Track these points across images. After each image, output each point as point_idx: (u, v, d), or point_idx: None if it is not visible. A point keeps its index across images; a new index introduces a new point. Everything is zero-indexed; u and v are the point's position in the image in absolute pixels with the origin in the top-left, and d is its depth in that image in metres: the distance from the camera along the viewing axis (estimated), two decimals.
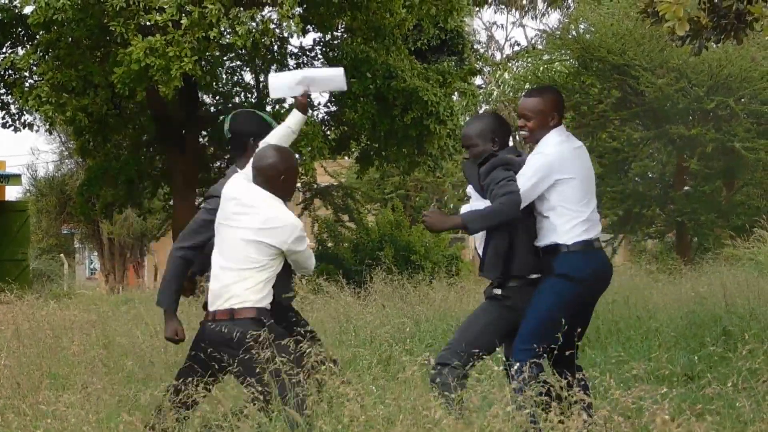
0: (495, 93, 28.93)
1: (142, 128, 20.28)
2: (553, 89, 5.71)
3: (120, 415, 4.79)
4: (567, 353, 5.13)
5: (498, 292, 5.27)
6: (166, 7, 14.74)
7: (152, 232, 33.91)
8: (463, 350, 5.14)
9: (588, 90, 23.28)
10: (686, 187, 23.63)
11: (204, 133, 20.32)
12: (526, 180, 5.17)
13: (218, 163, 21.57)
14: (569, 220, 5.22)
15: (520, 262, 5.24)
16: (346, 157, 24.97)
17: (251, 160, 5.16)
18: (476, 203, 5.37)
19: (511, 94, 27.32)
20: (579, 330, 5.14)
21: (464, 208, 5.49)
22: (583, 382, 5.09)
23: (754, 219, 20.99)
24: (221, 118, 5.47)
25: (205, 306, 5.34)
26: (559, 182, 5.22)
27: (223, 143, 20.54)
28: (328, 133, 20.53)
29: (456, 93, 21.18)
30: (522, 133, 5.38)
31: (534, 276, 5.26)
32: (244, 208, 5.03)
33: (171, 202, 21.06)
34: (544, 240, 5.26)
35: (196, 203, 20.71)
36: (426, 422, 4.00)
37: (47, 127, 19.28)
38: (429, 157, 19.61)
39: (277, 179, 5.05)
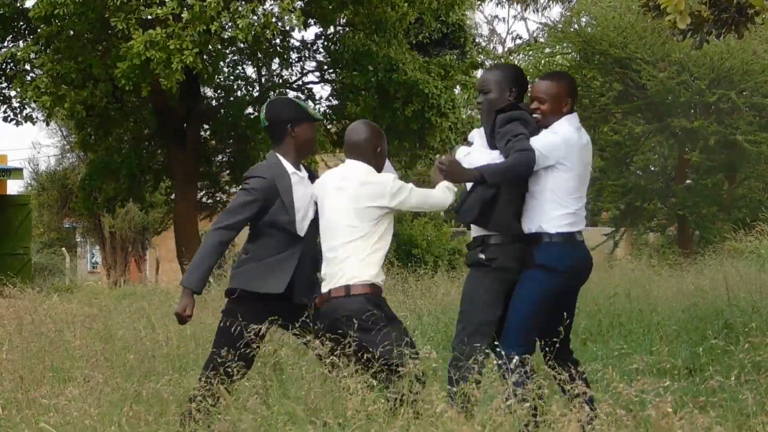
0: None
1: (143, 122, 20.29)
2: (567, 75, 5.68)
3: (121, 408, 4.79)
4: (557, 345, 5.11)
5: (482, 256, 5.20)
6: (167, 0, 14.73)
7: (154, 226, 33.94)
8: (477, 332, 5.08)
9: (590, 83, 23.25)
10: (688, 181, 23.62)
11: (205, 126, 20.31)
12: None
13: (219, 157, 21.56)
14: (557, 208, 5.17)
15: (499, 218, 5.16)
16: None
17: (345, 136, 5.41)
18: (476, 151, 5.31)
19: None
20: (566, 322, 5.13)
21: (462, 150, 5.41)
22: (584, 375, 5.09)
23: (755, 212, 21.00)
24: (261, 107, 5.52)
25: (227, 293, 5.33)
26: (559, 167, 5.17)
27: (224, 137, 20.55)
28: (330, 126, 20.52)
29: (458, 86, 21.16)
30: (535, 116, 5.29)
31: (513, 233, 5.20)
32: (342, 182, 5.27)
33: (172, 196, 21.06)
34: (529, 225, 5.21)
35: (197, 196, 20.72)
36: (427, 415, 3.99)
37: (45, 117, 19.26)
38: (431, 150, 19.59)
39: (374, 152, 5.30)
